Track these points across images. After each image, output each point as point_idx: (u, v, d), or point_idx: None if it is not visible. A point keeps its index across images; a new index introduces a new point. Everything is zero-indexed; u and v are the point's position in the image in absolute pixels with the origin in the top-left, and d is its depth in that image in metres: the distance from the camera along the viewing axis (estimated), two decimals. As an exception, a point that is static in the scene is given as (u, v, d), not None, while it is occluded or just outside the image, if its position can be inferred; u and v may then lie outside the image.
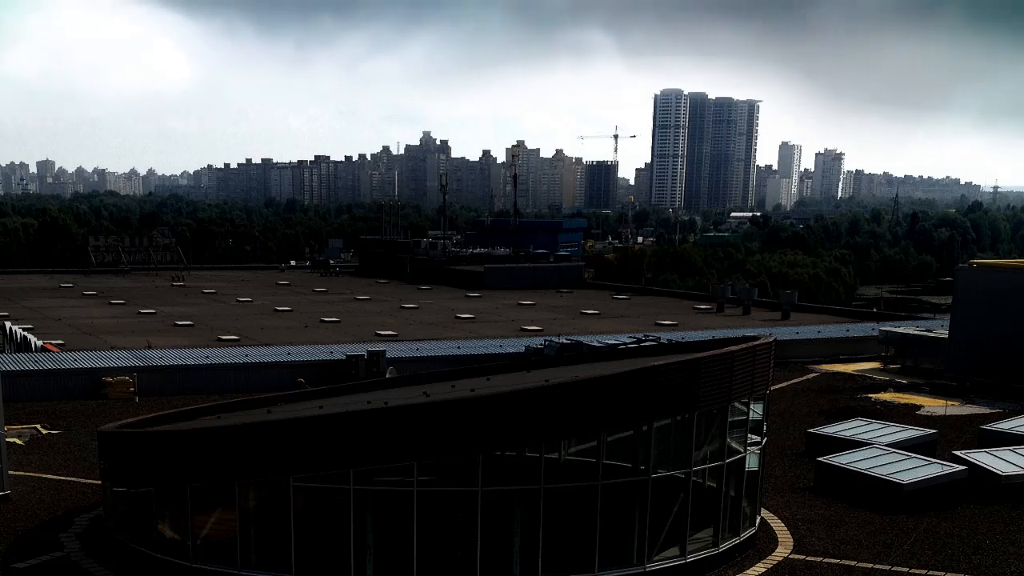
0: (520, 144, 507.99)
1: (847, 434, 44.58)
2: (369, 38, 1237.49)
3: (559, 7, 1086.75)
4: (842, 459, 40.09)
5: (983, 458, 40.06)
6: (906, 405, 56.17)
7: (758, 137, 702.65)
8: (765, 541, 33.40)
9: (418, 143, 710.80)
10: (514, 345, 67.84)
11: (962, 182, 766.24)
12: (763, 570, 31.12)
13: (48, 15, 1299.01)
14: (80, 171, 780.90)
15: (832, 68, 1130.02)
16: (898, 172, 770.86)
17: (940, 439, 45.41)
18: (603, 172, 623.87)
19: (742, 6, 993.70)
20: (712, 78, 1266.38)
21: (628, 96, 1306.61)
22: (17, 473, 39.65)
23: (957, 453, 40.83)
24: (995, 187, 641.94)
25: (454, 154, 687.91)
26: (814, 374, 65.96)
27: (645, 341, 62.03)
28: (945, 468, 38.26)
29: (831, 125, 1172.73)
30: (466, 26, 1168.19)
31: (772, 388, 36.13)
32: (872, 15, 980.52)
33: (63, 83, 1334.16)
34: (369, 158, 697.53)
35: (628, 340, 63.29)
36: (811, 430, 46.70)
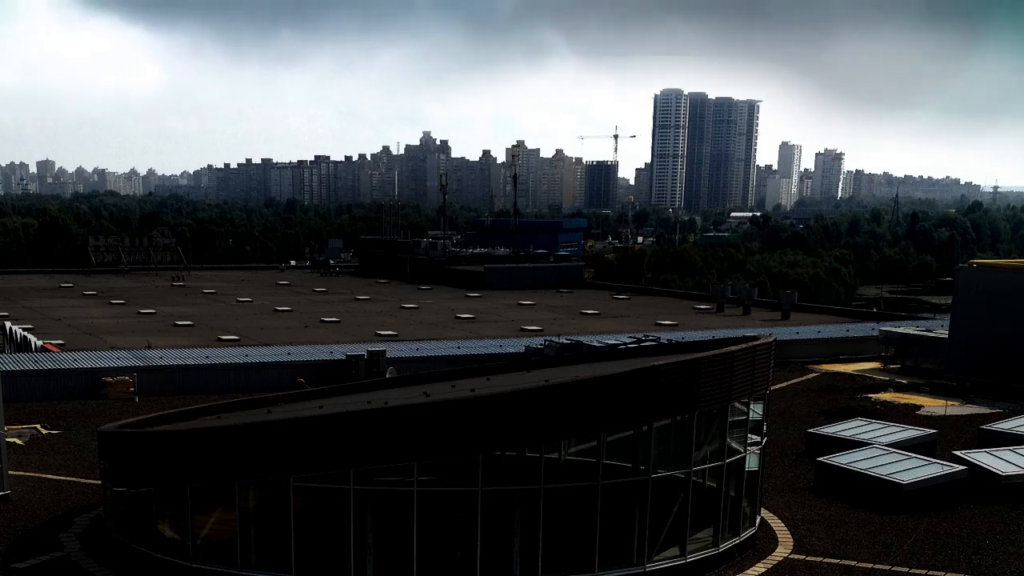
0: (520, 144, 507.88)
1: (847, 434, 44.58)
2: (334, 59, 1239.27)
3: (559, 5, 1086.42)
4: (842, 459, 40.09)
5: (983, 458, 40.06)
6: (906, 405, 56.17)
7: (758, 137, 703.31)
8: (765, 541, 33.40)
9: (418, 143, 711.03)
10: (514, 345, 67.84)
11: (962, 182, 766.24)
12: (763, 570, 31.12)
13: (19, 24, 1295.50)
14: (80, 171, 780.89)
15: (832, 68, 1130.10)
16: (898, 172, 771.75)
17: (940, 439, 45.40)
18: (603, 172, 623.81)
19: (743, 6, 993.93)
20: (711, 78, 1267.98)
21: (629, 96, 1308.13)
22: (17, 473, 39.66)
23: (957, 453, 40.83)
24: (995, 187, 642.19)
25: (454, 154, 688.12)
26: (814, 374, 65.96)
27: (645, 341, 62.03)
28: (945, 468, 38.26)
29: (831, 125, 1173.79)
30: (466, 28, 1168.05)
31: (772, 388, 36.13)
32: (873, 14, 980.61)
33: (36, 92, 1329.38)
34: (369, 158, 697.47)
35: (628, 340, 63.29)
36: (811, 430, 46.70)
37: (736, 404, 31.42)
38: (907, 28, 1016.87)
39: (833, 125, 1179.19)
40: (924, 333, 69.81)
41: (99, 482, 34.57)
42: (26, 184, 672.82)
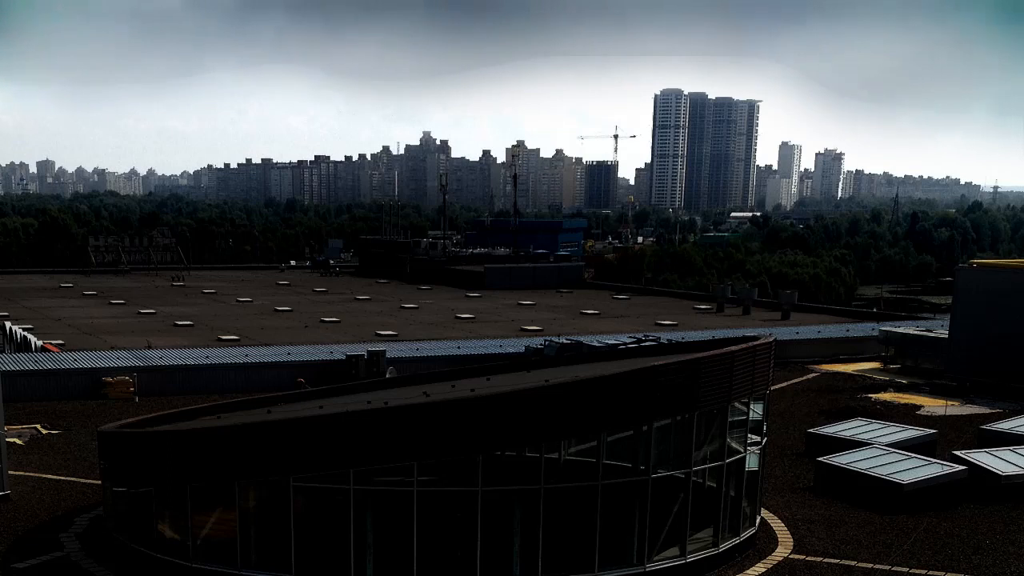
0: (520, 144, 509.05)
1: (847, 434, 44.59)
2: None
3: (559, 5, 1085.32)
4: (842, 459, 40.09)
5: (983, 458, 40.06)
6: (906, 405, 56.17)
7: (758, 137, 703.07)
8: (765, 541, 33.40)
9: (418, 143, 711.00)
10: (514, 345, 67.83)
11: (962, 182, 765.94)
12: (763, 570, 31.12)
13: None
14: (80, 171, 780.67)
15: (832, 68, 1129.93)
16: (898, 172, 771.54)
17: (940, 439, 45.41)
18: (603, 172, 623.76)
19: (744, 6, 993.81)
20: (711, 78, 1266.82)
21: (629, 96, 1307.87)
22: (17, 473, 39.66)
23: (957, 453, 40.83)
24: (995, 187, 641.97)
25: (454, 154, 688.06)
26: (814, 374, 65.95)
27: (645, 341, 62.02)
28: (945, 468, 38.26)
29: (831, 125, 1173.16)
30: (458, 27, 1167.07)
31: (772, 388, 36.12)
32: (873, 14, 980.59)
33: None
34: (369, 158, 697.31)
35: (628, 340, 63.28)
36: (811, 430, 46.70)
37: (736, 404, 31.42)
38: (908, 27, 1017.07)
39: (833, 125, 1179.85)
40: (924, 333, 69.82)
41: (99, 482, 34.57)
42: (26, 184, 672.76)
